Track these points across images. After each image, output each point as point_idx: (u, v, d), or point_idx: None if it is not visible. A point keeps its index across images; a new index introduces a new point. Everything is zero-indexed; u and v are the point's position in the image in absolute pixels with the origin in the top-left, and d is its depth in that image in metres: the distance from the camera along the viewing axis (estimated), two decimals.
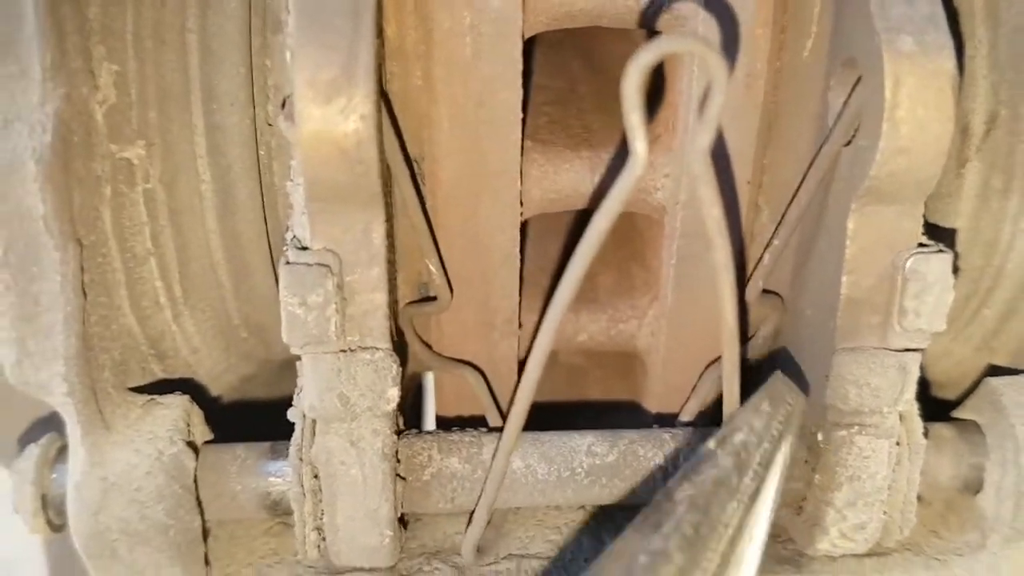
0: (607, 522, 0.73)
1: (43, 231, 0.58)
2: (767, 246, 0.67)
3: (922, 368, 0.80)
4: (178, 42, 0.62)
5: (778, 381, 0.61)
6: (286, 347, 0.77)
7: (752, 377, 0.78)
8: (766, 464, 0.54)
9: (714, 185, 0.51)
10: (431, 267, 0.67)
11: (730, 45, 0.62)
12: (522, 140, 0.67)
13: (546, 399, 0.85)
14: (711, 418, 0.75)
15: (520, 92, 0.63)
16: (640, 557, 0.46)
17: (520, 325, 0.74)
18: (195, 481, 0.64)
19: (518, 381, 0.76)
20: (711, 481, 0.51)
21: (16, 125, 0.57)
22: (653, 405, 0.78)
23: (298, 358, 0.67)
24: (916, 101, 0.55)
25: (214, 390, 0.74)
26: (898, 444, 0.65)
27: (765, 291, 0.71)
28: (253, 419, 0.72)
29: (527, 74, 0.67)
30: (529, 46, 0.75)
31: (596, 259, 0.83)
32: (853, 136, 0.59)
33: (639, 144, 0.49)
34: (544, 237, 0.82)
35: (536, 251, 0.80)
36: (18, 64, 0.58)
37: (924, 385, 0.80)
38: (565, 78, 0.80)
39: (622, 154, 0.71)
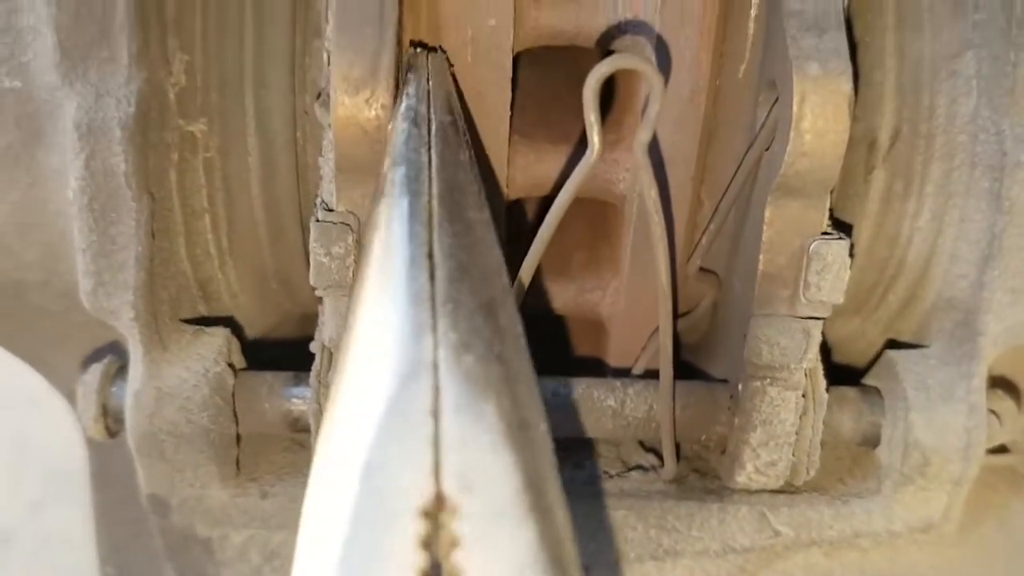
0: (564, 456, 0.88)
1: (123, 185, 0.73)
2: (704, 230, 0.82)
3: (840, 348, 0.95)
4: (237, 39, 0.78)
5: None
6: (305, 301, 0.92)
7: (697, 346, 0.94)
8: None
9: (650, 171, 0.67)
10: None
11: (678, 67, 0.77)
12: (511, 133, 0.82)
13: None
14: (658, 373, 0.90)
15: (509, 93, 0.78)
16: None
17: None
18: (232, 396, 0.79)
19: None
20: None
21: (106, 99, 0.72)
22: (612, 362, 0.93)
23: (314, 308, 0.83)
24: (818, 115, 0.69)
25: (248, 333, 0.88)
26: (804, 396, 0.79)
27: (704, 269, 0.86)
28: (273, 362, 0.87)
29: (521, 83, 0.82)
30: (526, 62, 0.90)
31: (571, 240, 0.98)
32: (771, 143, 0.74)
33: (595, 136, 0.64)
34: (532, 222, 0.96)
35: (525, 234, 0.94)
36: (109, 50, 0.73)
37: (842, 364, 0.95)
38: (550, 88, 0.94)
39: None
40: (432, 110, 0.66)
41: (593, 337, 0.98)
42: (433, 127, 0.64)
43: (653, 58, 0.75)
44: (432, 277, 0.44)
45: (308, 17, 0.80)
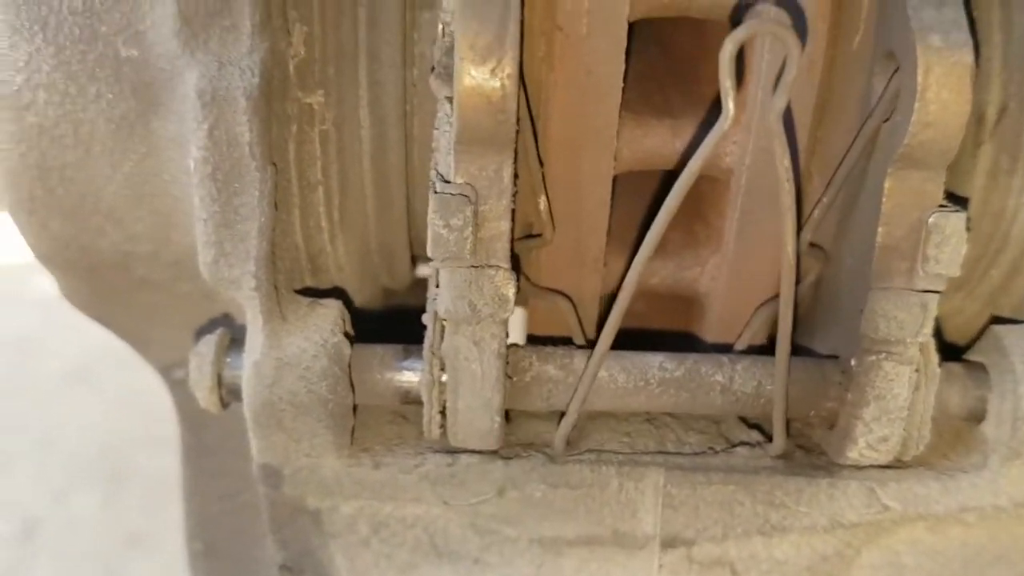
0: (667, 430, 0.88)
1: (247, 155, 0.73)
2: (816, 203, 0.82)
3: (940, 324, 0.95)
4: (352, 13, 0.78)
5: None
6: (400, 277, 0.93)
7: (797, 321, 0.93)
8: None
9: (785, 140, 0.66)
10: (540, 206, 0.82)
11: (800, 35, 0.77)
12: None
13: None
14: (759, 349, 0.90)
15: (623, 65, 0.78)
16: None
17: (604, 264, 0.89)
18: (349, 367, 0.79)
19: (599, 309, 0.91)
20: None
21: (229, 68, 0.72)
22: (709, 337, 0.93)
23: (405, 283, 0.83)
24: (942, 86, 0.69)
25: (350, 306, 0.89)
26: (917, 371, 0.79)
27: (811, 244, 0.86)
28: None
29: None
30: None
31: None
32: (891, 114, 0.74)
33: (730, 103, 0.64)
34: (625, 199, 0.96)
35: (618, 210, 0.94)
36: (231, 19, 0.73)
37: (940, 339, 0.95)
38: (644, 62, 0.94)
39: (698, 124, 0.85)
40: None
41: (685, 313, 0.98)
42: None
43: (789, 23, 0.75)
44: None
45: None
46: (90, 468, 2.05)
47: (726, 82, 0.64)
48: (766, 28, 0.63)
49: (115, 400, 2.18)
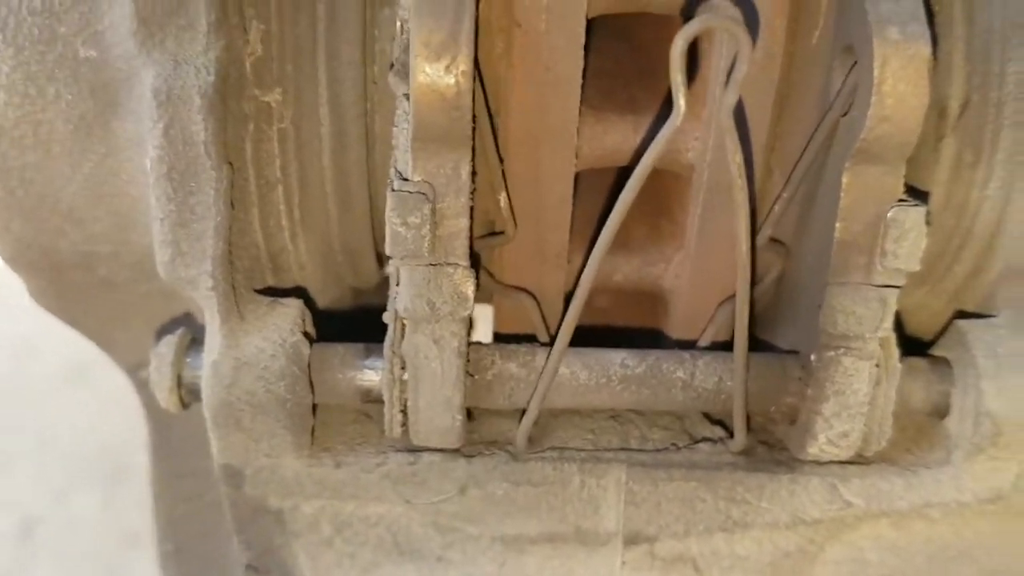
0: (631, 427, 0.88)
1: (203, 153, 0.73)
2: (776, 199, 0.82)
3: (903, 319, 0.95)
4: (310, 10, 0.77)
5: None
6: (366, 276, 0.93)
7: (760, 316, 0.93)
8: None
9: (736, 136, 0.66)
10: (501, 203, 0.82)
11: (752, 31, 0.77)
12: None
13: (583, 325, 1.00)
14: (723, 345, 0.90)
15: (581, 61, 0.77)
16: None
17: (568, 261, 0.89)
18: (308, 367, 0.79)
19: (564, 306, 0.91)
20: None
21: (184, 67, 0.72)
22: (674, 334, 0.93)
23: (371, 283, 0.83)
24: (898, 79, 0.69)
25: (313, 306, 0.88)
26: (877, 366, 0.79)
27: (772, 240, 0.86)
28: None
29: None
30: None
31: (631, 215, 0.98)
32: (849, 108, 0.74)
33: (681, 99, 0.64)
34: (590, 195, 0.96)
35: (583, 206, 0.94)
36: (187, 18, 0.72)
37: (905, 335, 0.95)
38: (610, 58, 0.94)
39: (660, 120, 0.85)
40: None
41: (651, 310, 0.98)
42: None
43: (740, 18, 0.75)
44: None
45: None
46: (90, 468, 2.04)
47: (677, 77, 0.64)
48: (717, 23, 0.63)
49: (114, 400, 2.15)
